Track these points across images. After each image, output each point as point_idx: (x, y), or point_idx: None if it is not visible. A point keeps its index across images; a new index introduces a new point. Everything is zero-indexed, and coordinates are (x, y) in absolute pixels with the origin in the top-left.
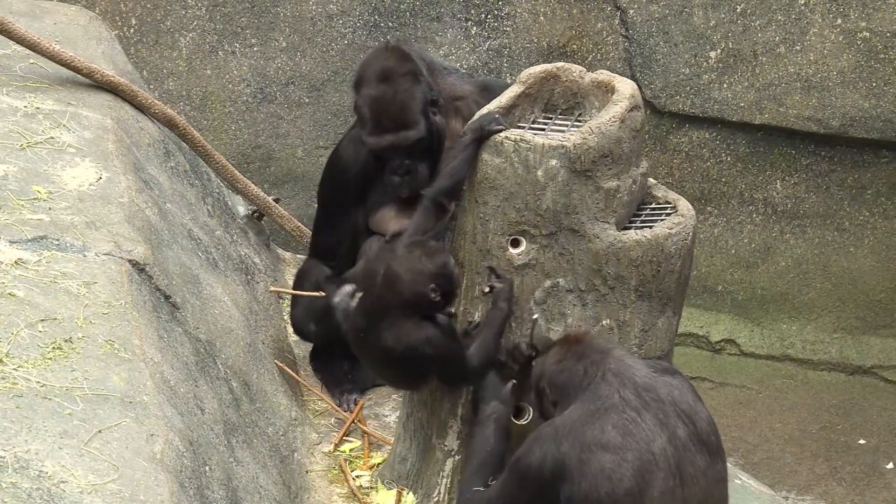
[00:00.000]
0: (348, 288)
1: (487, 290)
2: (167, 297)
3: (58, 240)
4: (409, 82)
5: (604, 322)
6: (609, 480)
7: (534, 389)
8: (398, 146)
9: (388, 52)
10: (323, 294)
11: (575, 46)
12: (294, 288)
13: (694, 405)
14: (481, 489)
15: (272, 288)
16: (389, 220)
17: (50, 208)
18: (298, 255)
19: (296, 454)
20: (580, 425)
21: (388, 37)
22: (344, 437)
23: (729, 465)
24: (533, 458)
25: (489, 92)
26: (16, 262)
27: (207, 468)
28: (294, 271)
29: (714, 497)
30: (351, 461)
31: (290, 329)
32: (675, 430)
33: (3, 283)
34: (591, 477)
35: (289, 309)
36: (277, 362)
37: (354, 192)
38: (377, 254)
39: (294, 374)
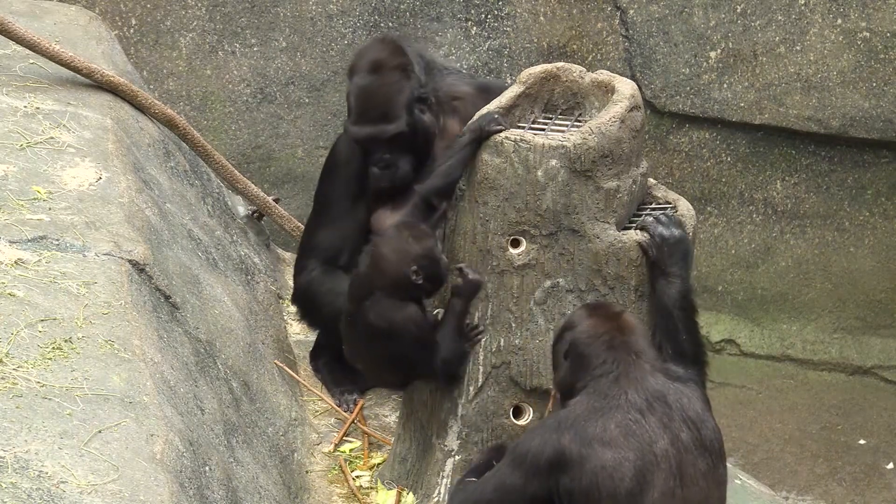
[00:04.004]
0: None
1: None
2: (167, 297)
3: (58, 240)
4: (397, 76)
5: None
6: (611, 479)
7: (558, 333)
8: (377, 138)
9: (383, 45)
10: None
11: (575, 46)
12: (314, 309)
13: (702, 413)
14: (474, 479)
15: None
16: (386, 219)
17: (50, 208)
18: None
19: (296, 454)
20: (583, 420)
21: (384, 33)
22: (344, 437)
23: (729, 465)
24: (532, 445)
25: (488, 93)
26: (16, 262)
27: (207, 468)
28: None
29: (713, 499)
30: (351, 461)
31: (290, 329)
32: (678, 433)
33: (3, 283)
34: (591, 474)
35: (290, 310)
36: (277, 362)
37: (356, 186)
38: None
39: (294, 374)
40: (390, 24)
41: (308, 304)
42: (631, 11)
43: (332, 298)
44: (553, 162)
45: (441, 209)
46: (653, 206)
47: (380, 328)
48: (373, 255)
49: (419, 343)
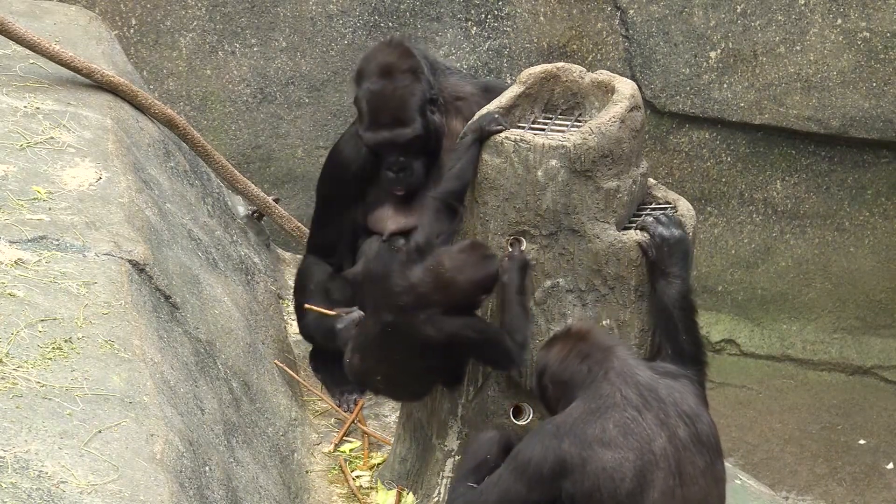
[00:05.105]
0: (355, 315)
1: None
2: (167, 297)
3: (58, 240)
4: (409, 79)
5: (604, 322)
6: (611, 480)
7: (536, 382)
8: (394, 143)
9: (391, 48)
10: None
11: (575, 46)
12: (297, 291)
13: (695, 408)
14: (473, 485)
15: (307, 305)
16: (387, 219)
17: (50, 208)
18: (298, 255)
19: (296, 454)
20: (581, 423)
21: (390, 35)
22: (344, 437)
23: (729, 465)
24: (534, 453)
25: (491, 93)
26: (16, 262)
27: (207, 468)
28: (294, 271)
29: (712, 497)
30: (351, 461)
31: (291, 329)
32: (675, 429)
33: (3, 283)
34: (593, 476)
35: (290, 310)
36: (277, 362)
37: (354, 188)
38: (377, 254)
39: (294, 374)
40: (390, 24)
41: (296, 294)
42: (631, 11)
43: (309, 280)
44: (553, 162)
45: (461, 212)
46: (653, 206)
47: (438, 339)
48: (438, 276)
49: (483, 343)
